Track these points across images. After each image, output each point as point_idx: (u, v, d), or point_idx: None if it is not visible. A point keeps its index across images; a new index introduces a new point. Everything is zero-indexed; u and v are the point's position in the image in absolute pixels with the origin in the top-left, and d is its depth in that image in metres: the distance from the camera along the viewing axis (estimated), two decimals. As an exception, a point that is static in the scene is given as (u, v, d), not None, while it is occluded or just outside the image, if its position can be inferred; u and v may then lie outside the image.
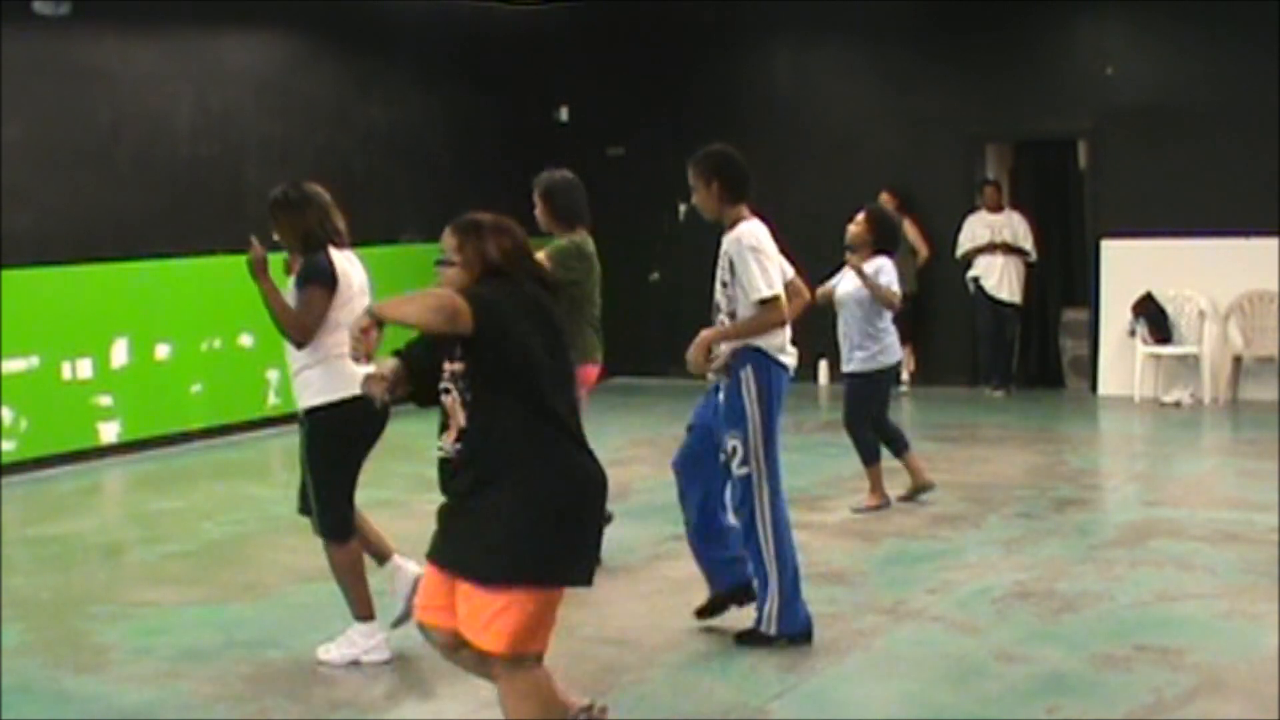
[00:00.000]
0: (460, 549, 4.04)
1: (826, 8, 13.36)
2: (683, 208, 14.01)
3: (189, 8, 11.34)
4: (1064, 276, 13.34)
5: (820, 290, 8.08)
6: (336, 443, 5.63)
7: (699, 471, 5.96)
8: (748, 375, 5.72)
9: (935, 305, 13.21)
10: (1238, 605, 6.24)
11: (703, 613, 6.11)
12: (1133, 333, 12.11)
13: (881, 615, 6.24)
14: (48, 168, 10.44)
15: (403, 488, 8.49)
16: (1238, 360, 11.91)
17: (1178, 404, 11.81)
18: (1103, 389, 12.48)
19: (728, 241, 5.78)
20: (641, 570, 6.62)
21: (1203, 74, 12.05)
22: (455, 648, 4.19)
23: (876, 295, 8.05)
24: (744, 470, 5.74)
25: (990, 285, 12.68)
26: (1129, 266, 12.28)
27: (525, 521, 3.96)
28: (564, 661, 5.78)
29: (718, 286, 5.86)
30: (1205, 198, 11.95)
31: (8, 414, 10.07)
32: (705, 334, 5.77)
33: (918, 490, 8.48)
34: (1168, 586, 6.58)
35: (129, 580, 7.39)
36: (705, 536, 6.02)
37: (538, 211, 7.06)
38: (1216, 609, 6.22)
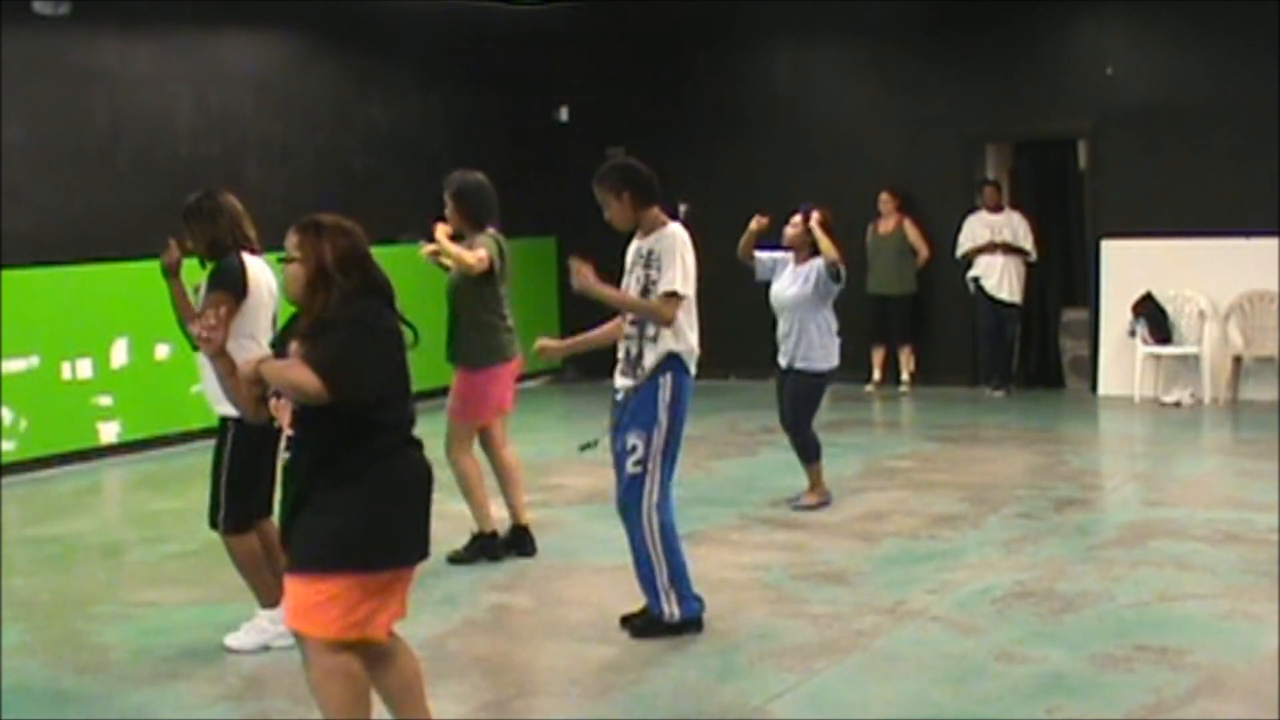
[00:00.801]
0: (293, 547, 4.23)
1: (826, 8, 13.36)
2: (683, 207, 13.97)
3: (189, 8, 11.35)
4: (1064, 276, 13.33)
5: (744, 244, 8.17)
6: (256, 448, 5.71)
7: None
8: (666, 382, 5.83)
9: (935, 305, 13.21)
10: (1238, 605, 6.24)
11: (631, 622, 6.08)
12: (1133, 333, 12.10)
13: (881, 615, 6.24)
14: (48, 168, 10.45)
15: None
16: (1238, 360, 11.90)
17: (1178, 404, 11.81)
18: (1103, 389, 12.47)
19: (656, 240, 5.86)
20: (641, 570, 6.62)
21: (1203, 74, 12.04)
22: (380, 656, 4.37)
23: (823, 247, 7.99)
24: (637, 470, 5.84)
25: (990, 285, 12.67)
26: (1129, 266, 12.28)
27: (355, 517, 4.14)
28: (564, 661, 5.80)
29: (637, 288, 5.88)
30: (1205, 198, 11.94)
31: (8, 414, 10.07)
32: (603, 289, 5.82)
33: (819, 504, 8.32)
34: (1168, 586, 6.58)
35: (129, 580, 7.40)
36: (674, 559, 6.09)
37: (448, 211, 7.26)
38: (1216, 609, 6.22)
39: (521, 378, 7.64)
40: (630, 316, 5.92)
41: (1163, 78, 12.25)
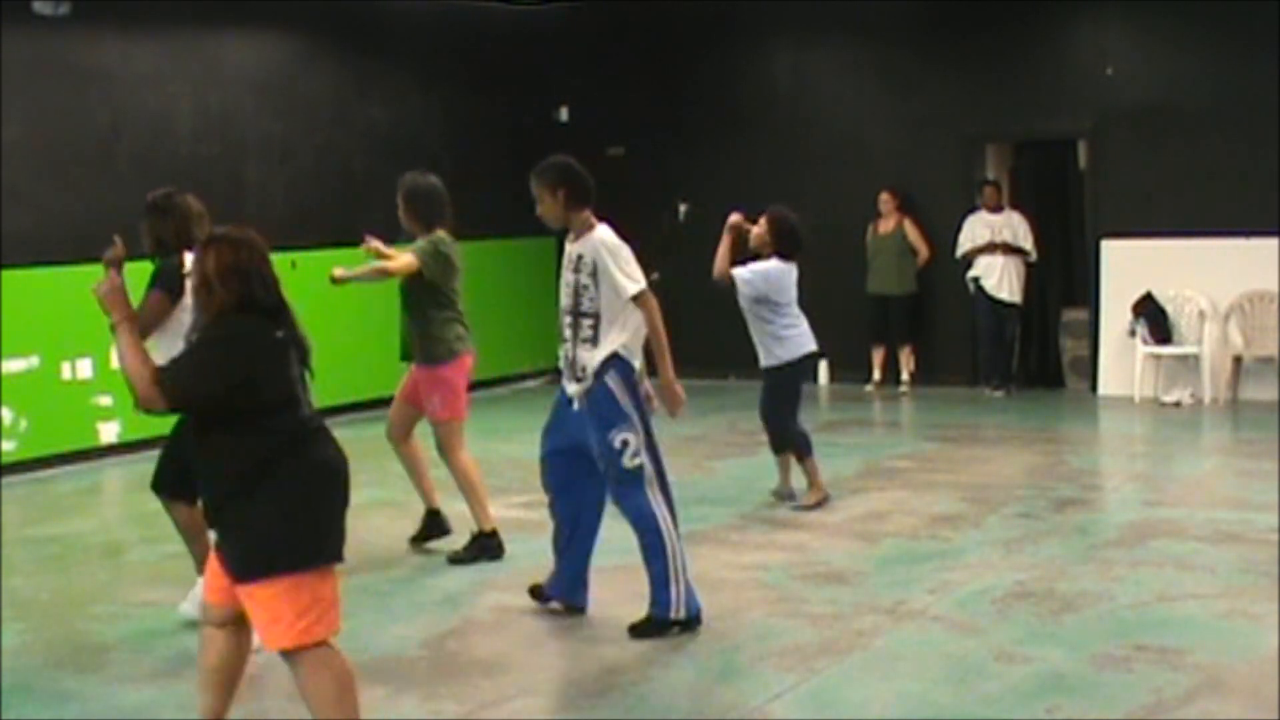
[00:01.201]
0: (227, 561, 4.25)
1: (826, 8, 13.36)
2: (683, 207, 14.03)
3: (189, 8, 11.35)
4: (1064, 276, 13.33)
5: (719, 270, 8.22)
6: None
7: (571, 494, 6.20)
8: (615, 380, 5.89)
9: (935, 305, 13.20)
10: (1238, 605, 6.24)
11: (537, 594, 6.41)
12: (1133, 333, 12.10)
13: (881, 615, 6.24)
14: (48, 168, 10.45)
15: (402, 488, 8.47)
16: (1238, 360, 11.90)
17: (1178, 404, 11.81)
18: (1103, 389, 12.47)
19: (584, 246, 5.95)
20: (640, 570, 6.60)
21: (1203, 74, 12.04)
22: (222, 623, 4.44)
23: (720, 263, 8.12)
24: (637, 461, 5.89)
25: (990, 285, 12.67)
26: (1129, 266, 12.28)
27: (276, 520, 4.15)
28: (564, 662, 5.80)
29: (568, 291, 5.98)
30: (1205, 198, 11.95)
31: (8, 414, 10.07)
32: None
33: (819, 502, 8.30)
34: (1168, 586, 6.58)
35: (129, 580, 7.40)
36: (582, 549, 6.30)
37: (400, 213, 7.37)
38: (1216, 609, 6.22)
39: (485, 384, 7.69)
40: (567, 320, 5.98)
41: (1163, 78, 12.25)
